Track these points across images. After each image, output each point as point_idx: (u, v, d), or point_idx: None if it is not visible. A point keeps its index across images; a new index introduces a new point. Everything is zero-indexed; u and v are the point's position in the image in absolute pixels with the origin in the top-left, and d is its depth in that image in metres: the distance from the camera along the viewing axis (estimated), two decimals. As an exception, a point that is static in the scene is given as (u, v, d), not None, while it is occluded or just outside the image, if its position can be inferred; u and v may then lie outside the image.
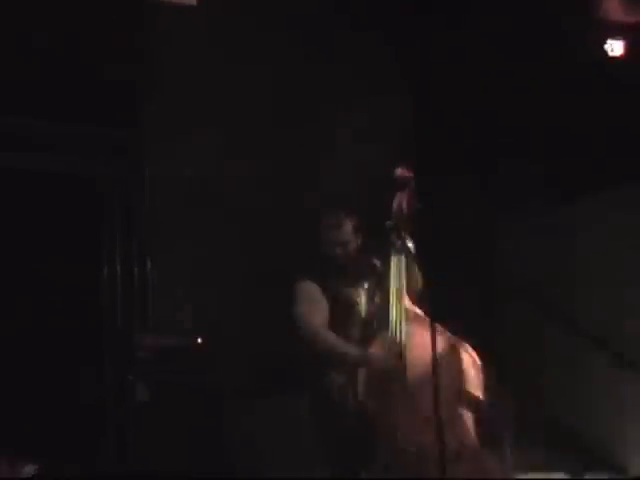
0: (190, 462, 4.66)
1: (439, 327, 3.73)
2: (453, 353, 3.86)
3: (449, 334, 3.93)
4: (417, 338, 3.82)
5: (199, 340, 4.89)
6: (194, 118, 5.24)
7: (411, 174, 3.97)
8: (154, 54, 5.05)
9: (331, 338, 4.17)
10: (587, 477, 4.91)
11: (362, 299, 4.36)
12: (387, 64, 5.91)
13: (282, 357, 4.84)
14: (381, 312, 4.15)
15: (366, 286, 4.38)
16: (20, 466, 4.51)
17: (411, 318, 3.94)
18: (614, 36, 5.02)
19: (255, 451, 5.06)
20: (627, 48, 4.97)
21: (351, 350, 4.10)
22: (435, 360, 3.56)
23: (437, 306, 3.74)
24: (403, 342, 3.90)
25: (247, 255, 5.31)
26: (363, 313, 4.33)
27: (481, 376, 3.92)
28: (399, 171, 3.97)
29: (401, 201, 3.93)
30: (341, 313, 4.29)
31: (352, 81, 5.74)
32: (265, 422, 5.13)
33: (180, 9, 4.96)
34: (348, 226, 4.32)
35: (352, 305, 4.33)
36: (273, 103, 5.53)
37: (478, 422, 3.89)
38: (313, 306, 4.27)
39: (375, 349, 3.99)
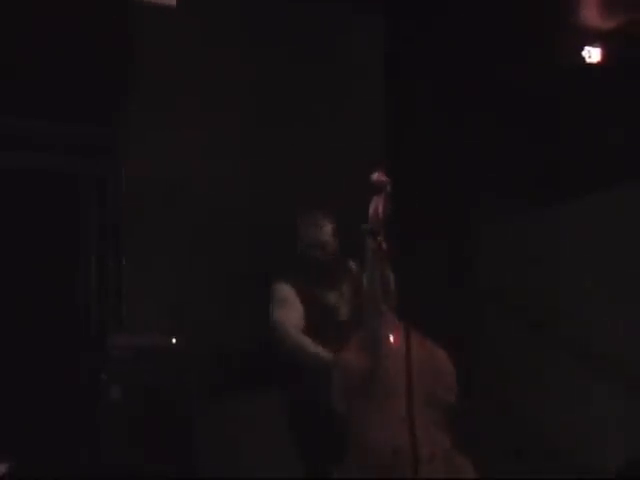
0: (162, 462, 4.69)
1: (413, 330, 3.82)
2: (428, 356, 3.88)
3: (424, 337, 3.93)
4: (392, 340, 3.83)
5: (173, 340, 4.84)
6: (174, 118, 5.24)
7: (387, 178, 3.95)
8: (136, 54, 5.02)
9: (303, 340, 4.20)
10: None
11: (339, 301, 4.40)
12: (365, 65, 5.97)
13: (257, 358, 4.85)
14: (357, 314, 4.19)
15: (343, 288, 4.41)
16: None
17: (386, 321, 3.91)
18: (592, 43, 5.10)
19: (227, 452, 5.09)
20: (604, 55, 5.05)
21: (322, 352, 4.13)
22: (409, 363, 3.67)
23: (412, 309, 3.85)
24: (378, 344, 3.86)
25: (224, 255, 5.29)
26: (339, 315, 4.38)
27: (454, 379, 3.94)
28: (375, 175, 3.95)
29: (377, 205, 3.91)
30: (317, 315, 4.34)
31: (330, 81, 5.80)
32: (238, 422, 5.11)
33: (161, 9, 4.95)
34: (328, 227, 4.40)
35: (329, 307, 4.38)
36: (252, 103, 5.54)
37: (451, 424, 3.97)
38: (288, 307, 4.32)
39: (350, 351, 3.95)
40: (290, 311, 4.29)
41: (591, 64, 5.06)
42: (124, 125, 5.02)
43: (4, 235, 5.01)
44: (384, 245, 3.88)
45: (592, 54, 5.09)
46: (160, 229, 5.20)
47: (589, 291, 4.80)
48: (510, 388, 5.13)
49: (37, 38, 4.89)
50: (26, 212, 5.08)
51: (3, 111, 4.91)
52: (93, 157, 5.12)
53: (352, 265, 4.47)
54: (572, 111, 4.94)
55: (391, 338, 3.85)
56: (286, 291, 4.34)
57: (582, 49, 5.09)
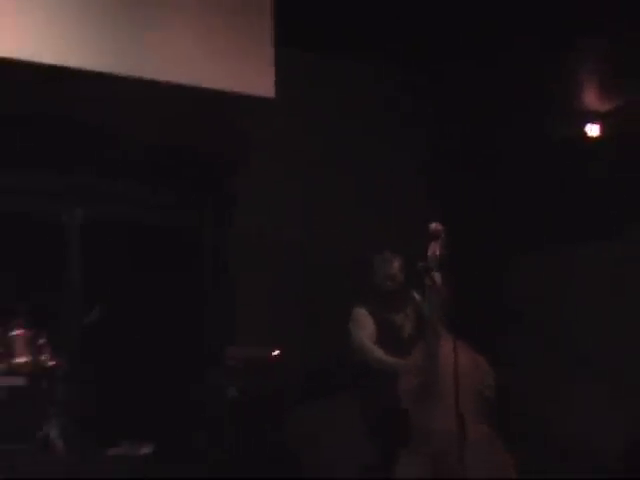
0: (264, 449, 5.91)
1: (462, 344, 4.85)
2: (471, 362, 4.99)
3: (469, 349, 5.03)
4: (445, 352, 4.86)
5: (274, 352, 6.08)
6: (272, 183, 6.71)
7: (442, 227, 5.04)
8: (240, 133, 6.43)
9: (378, 351, 5.36)
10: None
11: (404, 322, 5.51)
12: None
13: (340, 367, 6.03)
14: (418, 333, 5.34)
15: (407, 311, 5.53)
16: (139, 447, 5.67)
17: (441, 337, 4.99)
18: (592, 120, 6.34)
19: (315, 445, 6.24)
20: (602, 130, 6.28)
21: (391, 361, 5.28)
22: (457, 367, 4.66)
23: (460, 328, 4.86)
24: (435, 355, 4.98)
25: (315, 286, 6.65)
26: (404, 332, 5.47)
27: (492, 378, 5.15)
28: (433, 225, 5.05)
29: (434, 248, 5.01)
30: (387, 332, 5.47)
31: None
32: (323, 420, 6.31)
33: (260, 100, 6.26)
34: (395, 263, 5.52)
35: (395, 326, 5.49)
36: (334, 172, 7.02)
37: (491, 414, 5.10)
38: (363, 327, 5.48)
39: (413, 360, 5.08)
40: (365, 330, 5.47)
41: (592, 137, 6.36)
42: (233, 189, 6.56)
43: (142, 278, 6.45)
44: (438, 280, 5.06)
45: (593, 130, 6.40)
46: (264, 266, 6.61)
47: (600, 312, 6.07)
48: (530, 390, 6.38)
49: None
50: (155, 258, 6.58)
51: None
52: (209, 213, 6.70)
53: (415, 294, 5.52)
54: (579, 174, 6.27)
55: (444, 349, 4.91)
56: (362, 314, 5.52)
57: (585, 125, 6.42)
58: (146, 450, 5.65)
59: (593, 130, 6.37)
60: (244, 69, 6.31)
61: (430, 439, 4.95)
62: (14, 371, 5.96)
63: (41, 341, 6.13)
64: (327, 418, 6.28)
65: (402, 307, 5.54)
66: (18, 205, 6.20)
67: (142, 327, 6.43)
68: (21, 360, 5.98)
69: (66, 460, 5.73)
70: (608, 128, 6.18)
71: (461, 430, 4.74)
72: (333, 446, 6.23)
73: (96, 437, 5.68)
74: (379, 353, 5.35)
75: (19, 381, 5.96)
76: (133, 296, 6.42)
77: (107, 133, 6.01)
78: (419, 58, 7.09)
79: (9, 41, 5.75)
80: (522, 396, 6.17)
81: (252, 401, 5.96)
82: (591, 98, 6.37)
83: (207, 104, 6.18)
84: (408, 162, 7.29)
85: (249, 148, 6.43)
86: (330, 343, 6.08)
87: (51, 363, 6.04)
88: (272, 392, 6.05)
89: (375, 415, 5.41)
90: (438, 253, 5.01)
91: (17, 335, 6.08)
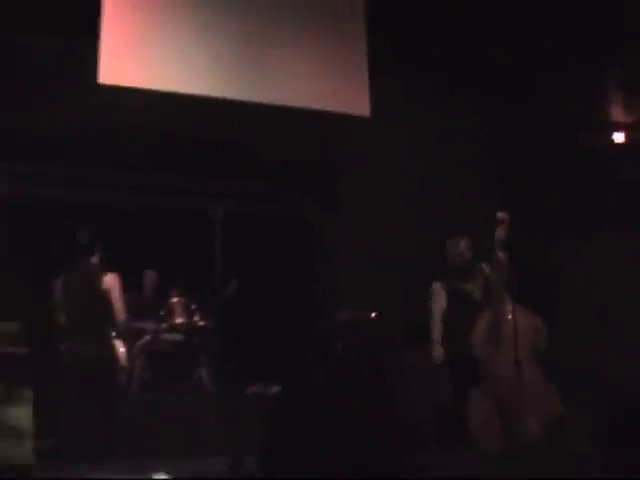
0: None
1: (521, 307, 5.63)
2: (529, 322, 5.71)
3: (527, 311, 5.72)
4: (507, 313, 5.62)
5: (373, 315, 7.31)
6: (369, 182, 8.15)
7: (507, 216, 5.80)
8: (341, 144, 7.87)
9: (435, 325, 6.17)
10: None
11: (474, 290, 6.19)
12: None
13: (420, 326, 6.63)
14: (485, 299, 6.07)
15: (477, 281, 6.19)
16: (269, 387, 6.79)
17: (504, 301, 5.71)
18: (618, 129, 7.32)
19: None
20: (627, 137, 7.31)
21: (435, 336, 6.13)
22: (516, 325, 5.47)
23: (520, 295, 5.62)
24: (500, 317, 5.68)
25: (403, 265, 7.85)
26: (474, 299, 6.15)
27: (545, 335, 5.81)
28: (500, 214, 5.80)
29: (500, 232, 5.77)
30: (458, 300, 6.16)
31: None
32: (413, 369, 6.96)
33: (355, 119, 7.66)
34: (463, 244, 6.24)
35: (466, 294, 6.19)
36: (427, 173, 8.37)
37: (544, 363, 5.79)
38: (436, 299, 6.24)
39: (482, 322, 5.78)
40: (437, 303, 6.23)
41: (619, 144, 7.41)
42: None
43: (270, 262, 7.84)
44: (503, 257, 5.79)
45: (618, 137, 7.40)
46: (365, 248, 7.93)
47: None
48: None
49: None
50: (283, 240, 8.06)
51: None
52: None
53: (484, 266, 6.14)
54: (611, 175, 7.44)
55: (506, 310, 5.64)
56: (437, 287, 6.26)
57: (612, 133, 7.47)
58: (274, 390, 6.70)
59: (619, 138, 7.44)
60: (345, 92, 7.79)
61: (496, 380, 5.63)
62: (174, 329, 7.53)
63: (194, 306, 7.68)
64: (414, 366, 6.95)
65: (472, 279, 6.21)
66: (178, 203, 7.86)
67: (268, 296, 7.77)
68: (179, 321, 7.56)
69: (214, 396, 7.08)
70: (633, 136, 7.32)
71: (520, 374, 5.44)
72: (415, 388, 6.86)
73: (236, 379, 6.80)
74: (434, 338, 6.23)
75: (178, 337, 7.54)
76: (262, 271, 7.76)
77: (242, 147, 7.52)
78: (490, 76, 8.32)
79: (169, 77, 7.38)
80: (568, 348, 6.92)
81: (356, 353, 7.08)
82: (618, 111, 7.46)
83: (315, 121, 7.60)
84: (479, 167, 8.59)
85: (349, 156, 7.84)
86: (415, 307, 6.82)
87: (201, 323, 7.59)
88: (372, 346, 7.15)
89: (452, 362, 6.10)
90: (503, 236, 5.76)
91: (176, 302, 7.67)
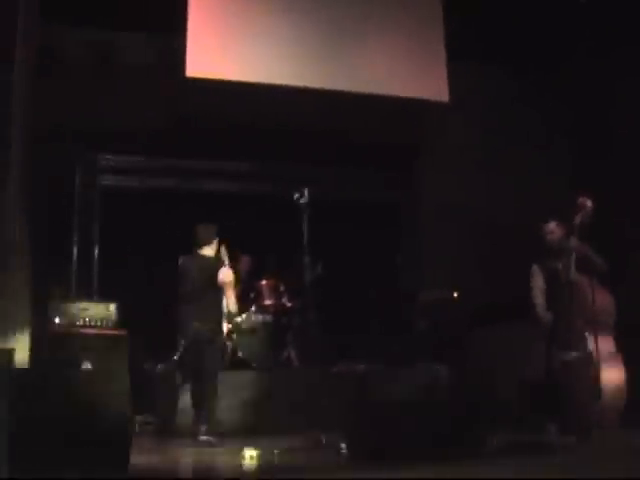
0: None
1: (598, 285, 6.25)
2: (605, 298, 6.33)
3: (602, 288, 6.32)
4: (585, 289, 6.22)
5: (455, 294, 7.71)
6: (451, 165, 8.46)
7: (588, 201, 6.16)
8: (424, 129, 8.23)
9: (538, 300, 6.60)
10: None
11: (562, 267, 6.44)
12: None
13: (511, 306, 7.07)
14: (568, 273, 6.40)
15: (564, 259, 6.42)
16: (354, 364, 7.14)
17: (580, 280, 6.26)
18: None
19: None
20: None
21: (539, 310, 6.52)
22: (594, 301, 6.05)
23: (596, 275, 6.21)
24: (582, 291, 6.18)
25: (495, 246, 8.11)
26: (563, 275, 6.40)
27: (615, 312, 6.41)
28: (581, 199, 6.20)
29: (582, 216, 6.18)
30: (552, 278, 6.55)
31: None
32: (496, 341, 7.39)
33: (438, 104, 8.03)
34: (552, 224, 6.58)
35: (558, 273, 6.49)
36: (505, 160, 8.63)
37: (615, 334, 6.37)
38: (535, 280, 6.65)
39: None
40: (536, 283, 6.64)
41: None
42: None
43: (353, 246, 8.30)
44: (574, 242, 6.23)
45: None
46: (454, 229, 8.25)
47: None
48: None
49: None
50: (368, 223, 8.45)
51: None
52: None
53: (571, 240, 6.31)
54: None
55: (584, 287, 6.21)
56: (535, 269, 6.66)
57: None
58: (360, 367, 7.06)
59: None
60: (426, 80, 8.14)
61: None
62: (263, 310, 7.87)
63: (282, 288, 8.06)
64: (501, 338, 7.38)
65: (563, 256, 6.49)
66: (267, 189, 8.33)
67: (354, 278, 8.16)
68: (268, 302, 7.88)
69: (302, 373, 7.43)
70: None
71: (596, 346, 6.03)
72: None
73: (322, 357, 7.19)
74: (539, 303, 6.64)
75: (267, 317, 7.93)
76: (347, 254, 8.15)
77: (326, 134, 7.88)
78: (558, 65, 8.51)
79: (254, 68, 7.81)
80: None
81: (438, 331, 7.49)
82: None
83: (399, 108, 7.96)
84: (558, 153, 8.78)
85: (432, 140, 8.15)
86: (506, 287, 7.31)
87: (289, 304, 7.97)
88: (453, 324, 7.53)
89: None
90: (581, 220, 6.18)
91: (265, 284, 8.05)
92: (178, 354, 6.29)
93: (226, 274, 6.44)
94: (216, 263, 6.49)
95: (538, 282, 6.68)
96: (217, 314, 6.55)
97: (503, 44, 8.23)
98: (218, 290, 6.46)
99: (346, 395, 6.57)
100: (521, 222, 7.03)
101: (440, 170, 8.50)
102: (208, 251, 6.58)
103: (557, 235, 6.55)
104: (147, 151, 8.13)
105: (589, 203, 6.15)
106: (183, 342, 6.30)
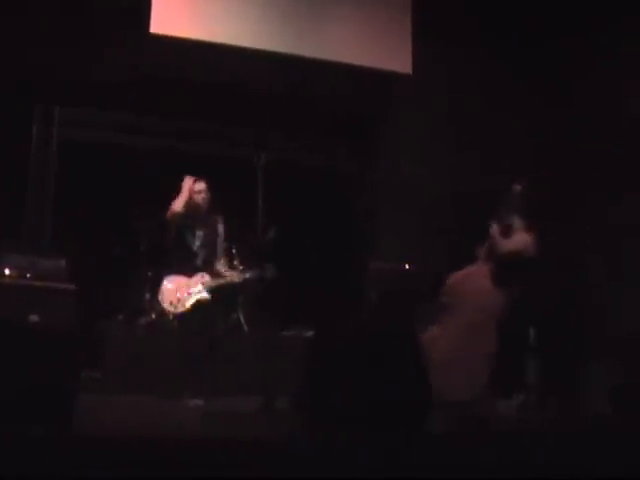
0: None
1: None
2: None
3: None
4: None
5: (406, 266, 7.82)
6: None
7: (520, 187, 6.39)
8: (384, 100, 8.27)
9: None
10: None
11: None
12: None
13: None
14: None
15: None
16: (305, 330, 7.41)
17: None
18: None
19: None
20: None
21: None
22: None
23: None
24: None
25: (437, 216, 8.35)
26: None
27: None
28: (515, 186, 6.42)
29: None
30: None
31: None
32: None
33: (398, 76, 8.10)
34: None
35: None
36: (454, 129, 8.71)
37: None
38: None
39: None
40: None
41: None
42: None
43: (315, 202, 8.43)
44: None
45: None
46: (412, 200, 8.34)
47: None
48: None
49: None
50: (323, 189, 8.57)
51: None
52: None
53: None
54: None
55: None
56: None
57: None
58: (310, 333, 7.14)
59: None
60: (390, 51, 8.21)
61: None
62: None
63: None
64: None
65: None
66: (227, 151, 8.31)
67: (307, 243, 8.30)
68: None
69: (252, 338, 7.38)
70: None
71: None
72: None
73: (274, 322, 7.21)
74: None
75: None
76: (301, 220, 8.24)
77: (288, 99, 7.91)
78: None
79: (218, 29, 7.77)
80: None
81: (386, 302, 7.57)
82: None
83: (361, 78, 8.02)
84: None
85: (390, 111, 8.20)
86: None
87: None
88: (400, 296, 7.56)
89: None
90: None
91: None
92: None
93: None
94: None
95: None
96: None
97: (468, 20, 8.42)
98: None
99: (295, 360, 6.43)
100: (481, 194, 7.15)
101: (400, 141, 8.54)
102: None
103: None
104: (106, 105, 8.03)
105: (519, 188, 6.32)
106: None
